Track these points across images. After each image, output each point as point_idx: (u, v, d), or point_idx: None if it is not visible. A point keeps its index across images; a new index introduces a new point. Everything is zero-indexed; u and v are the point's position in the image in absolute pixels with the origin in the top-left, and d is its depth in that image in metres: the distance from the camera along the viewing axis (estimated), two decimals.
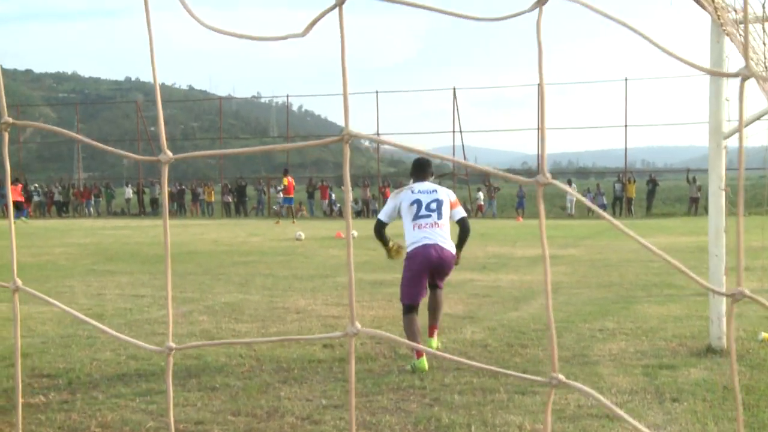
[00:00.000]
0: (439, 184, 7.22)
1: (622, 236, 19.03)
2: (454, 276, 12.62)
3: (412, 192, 6.80)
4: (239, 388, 5.78)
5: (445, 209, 6.75)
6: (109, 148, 1.28)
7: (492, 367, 1.05)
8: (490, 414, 5.09)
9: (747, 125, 6.45)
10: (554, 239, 21.62)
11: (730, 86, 6.87)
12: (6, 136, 1.19)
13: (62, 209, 46.43)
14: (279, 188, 45.81)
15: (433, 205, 6.70)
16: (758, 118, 6.46)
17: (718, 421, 4.90)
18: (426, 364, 6.24)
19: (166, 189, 1.17)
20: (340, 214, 45.46)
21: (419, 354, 6.28)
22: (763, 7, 5.46)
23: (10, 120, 1.16)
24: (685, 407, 5.18)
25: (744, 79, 0.86)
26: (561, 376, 1.01)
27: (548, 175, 0.96)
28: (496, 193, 44.07)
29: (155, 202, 47.86)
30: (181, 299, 10.14)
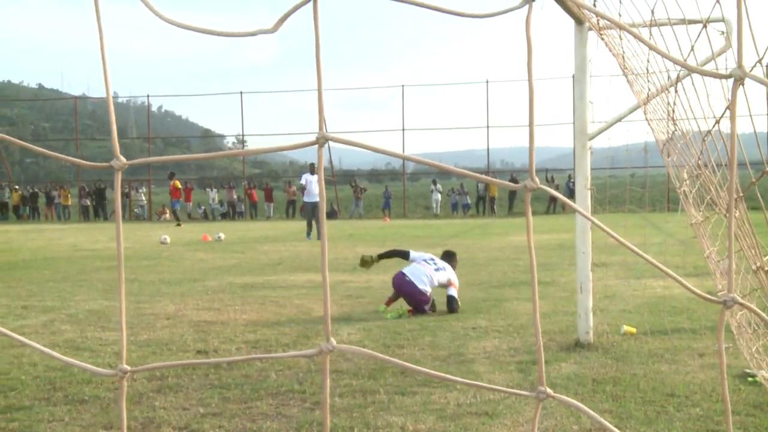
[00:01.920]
0: None
1: (489, 235, 19.69)
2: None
3: (432, 260, 9.39)
4: (110, 399, 5.53)
5: (435, 280, 9.16)
6: (56, 154, 1.17)
7: (475, 383, 1.03)
8: (372, 416, 5.09)
9: (611, 125, 6.76)
10: (421, 239, 21.98)
11: (594, 89, 7.18)
12: None
13: None
14: (142, 190, 44.56)
15: (436, 264, 9.33)
16: (621, 119, 6.77)
17: None
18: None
19: (119, 197, 1.08)
20: (205, 216, 44.60)
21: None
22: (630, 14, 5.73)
23: None
24: (559, 402, 5.34)
25: (737, 80, 0.87)
26: (549, 390, 1.00)
27: (536, 180, 0.94)
28: (362, 193, 44.40)
29: (4, 207, 45.38)
30: (40, 308, 9.63)
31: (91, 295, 10.81)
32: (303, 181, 23.06)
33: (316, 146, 0.99)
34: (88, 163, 1.10)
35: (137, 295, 10.66)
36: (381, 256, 9.58)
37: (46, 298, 10.55)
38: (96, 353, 6.95)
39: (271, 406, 5.37)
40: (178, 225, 32.38)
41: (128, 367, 1.06)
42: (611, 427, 0.96)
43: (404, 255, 9.52)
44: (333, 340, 0.99)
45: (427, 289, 8.91)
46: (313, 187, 22.60)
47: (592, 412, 0.99)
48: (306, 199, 23.27)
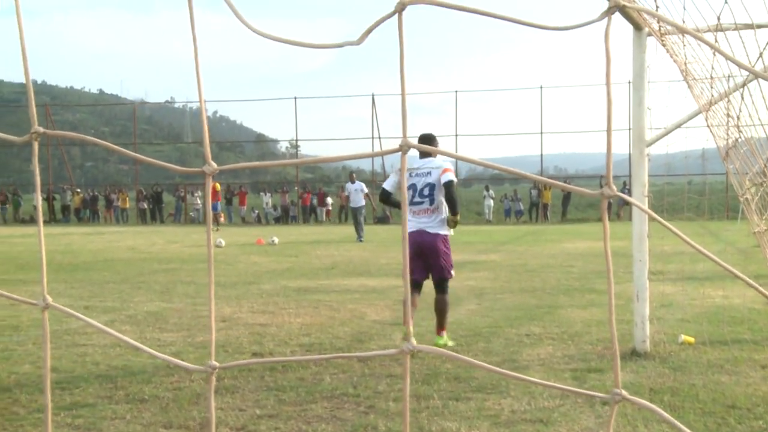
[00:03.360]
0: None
1: (541, 242, 19.55)
2: (378, 282, 12.66)
3: (410, 175, 7.17)
4: (169, 399, 5.63)
5: (438, 192, 7.15)
6: (154, 161, 1.21)
7: (551, 384, 1.04)
8: (426, 421, 5.09)
9: (670, 132, 6.66)
10: (474, 245, 21.89)
11: (652, 95, 7.08)
12: (36, 146, 1.12)
13: None
14: (198, 194, 45.05)
15: (426, 191, 7.13)
16: (680, 125, 6.67)
17: (648, 423, 5.01)
18: (447, 340, 7.49)
19: (209, 201, 1.11)
20: (259, 220, 45.04)
21: (439, 330, 7.50)
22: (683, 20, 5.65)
23: (41, 130, 1.09)
24: (615, 410, 5.28)
25: None
26: (624, 392, 1.00)
27: (614, 187, 0.95)
28: None
29: (66, 209, 46.45)
30: (101, 308, 9.84)
31: (149, 296, 11.01)
32: (346, 193, 26.08)
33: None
34: (180, 168, 1.13)
35: (194, 298, 10.83)
36: (395, 205, 7.83)
37: (107, 299, 10.78)
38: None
39: (326, 409, 5.41)
40: (216, 230, 31.33)
41: (217, 364, 1.09)
42: (687, 430, 0.96)
43: (388, 195, 7.65)
44: (414, 341, 1.00)
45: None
46: (355, 195, 24.89)
47: (668, 416, 0.99)
48: (351, 205, 25.58)
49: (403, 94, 0.94)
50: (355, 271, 14.71)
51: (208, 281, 1.09)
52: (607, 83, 0.95)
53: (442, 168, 7.17)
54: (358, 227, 24.60)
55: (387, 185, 7.60)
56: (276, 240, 23.14)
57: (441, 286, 7.41)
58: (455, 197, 7.29)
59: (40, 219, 1.36)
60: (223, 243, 21.90)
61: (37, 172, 1.18)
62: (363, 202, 24.93)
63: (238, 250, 20.39)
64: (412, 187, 7.11)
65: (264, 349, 7.39)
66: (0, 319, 8.96)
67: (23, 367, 6.60)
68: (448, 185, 7.16)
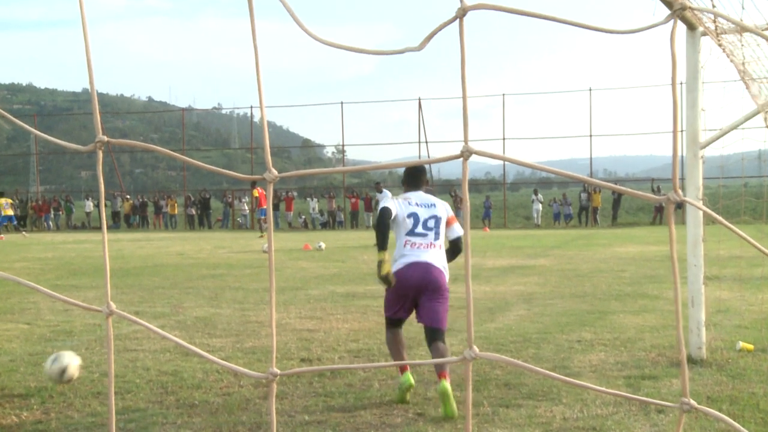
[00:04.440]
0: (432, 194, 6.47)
1: (592, 246, 19.30)
2: None
3: (409, 203, 5.98)
4: (219, 404, 5.67)
5: (443, 228, 6.02)
6: (216, 168, 1.23)
7: (615, 392, 1.01)
8: (477, 428, 5.06)
9: (726, 133, 6.53)
10: (523, 249, 21.73)
11: (706, 96, 6.95)
12: (101, 154, 1.13)
13: (20, 223, 45.59)
14: (245, 200, 45.51)
15: (431, 223, 5.96)
16: (736, 126, 6.53)
17: None
18: (411, 379, 5.69)
19: (271, 207, 1.11)
20: (305, 225, 45.30)
21: (402, 369, 5.80)
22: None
23: (105, 138, 1.10)
24: (671, 418, 5.18)
25: None
26: (693, 402, 0.97)
27: (680, 192, 0.92)
28: (461, 203, 44.23)
29: (117, 216, 47.25)
30: (151, 314, 9.98)
31: (198, 302, 11.13)
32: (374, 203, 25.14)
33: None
34: (243, 175, 1.13)
35: (242, 303, 10.91)
36: (384, 237, 5.93)
37: (156, 304, 10.92)
38: (204, 360, 7.13)
39: (375, 415, 5.40)
40: (261, 236, 30.80)
41: (278, 371, 1.09)
42: None
43: (389, 215, 5.99)
44: (476, 348, 0.98)
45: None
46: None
47: (739, 427, 0.95)
48: None
49: (464, 99, 0.93)
50: None
51: (269, 287, 1.09)
52: (673, 86, 0.92)
53: (447, 211, 6.12)
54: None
55: (389, 204, 5.96)
56: (323, 245, 23.23)
57: (439, 336, 5.79)
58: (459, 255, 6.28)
59: (104, 226, 1.37)
60: None
61: (101, 180, 1.19)
62: None
63: (285, 255, 20.52)
64: (413, 216, 5.92)
65: (312, 355, 7.42)
66: (54, 325, 9.12)
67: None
68: (459, 242, 6.20)
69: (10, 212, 35.06)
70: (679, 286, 1.08)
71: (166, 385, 6.22)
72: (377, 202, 24.08)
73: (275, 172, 1.05)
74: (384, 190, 24.22)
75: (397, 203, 5.94)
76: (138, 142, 1.15)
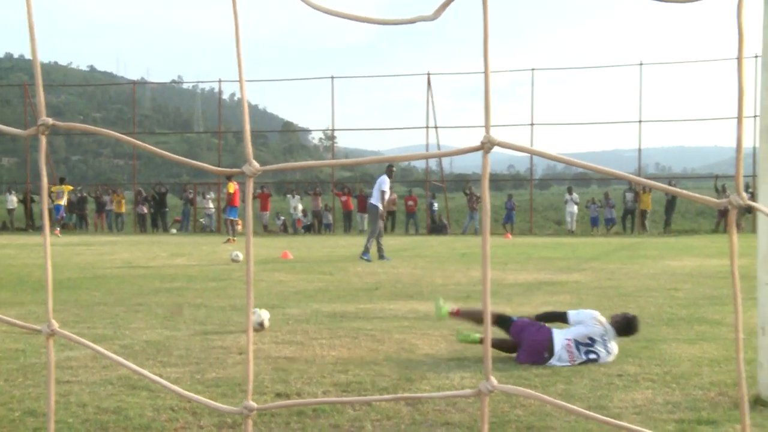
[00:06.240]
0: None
1: (638, 258, 19.43)
2: (432, 307, 12.62)
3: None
4: None
5: None
6: (177, 157, 1.23)
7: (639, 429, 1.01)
8: None
9: None
10: (552, 261, 21.78)
11: None
12: (44, 140, 1.14)
13: None
14: (210, 196, 45.48)
15: None
16: None
17: None
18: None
19: (250, 207, 1.12)
20: (285, 229, 45.27)
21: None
22: None
23: (51, 121, 1.10)
24: None
25: None
26: None
27: (744, 194, 0.93)
28: (478, 203, 44.28)
29: (49, 214, 47.19)
30: (89, 336, 9.98)
31: (149, 322, 11.14)
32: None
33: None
34: (218, 168, 1.14)
35: (204, 324, 10.93)
36: (539, 318, 9.13)
37: (97, 324, 10.93)
38: (155, 393, 7.14)
39: None
40: (227, 241, 30.88)
41: (254, 405, 1.09)
42: None
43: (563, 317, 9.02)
44: (493, 379, 0.99)
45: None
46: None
47: None
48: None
49: (486, 77, 0.93)
50: (404, 293, 14.72)
51: (246, 304, 1.09)
52: (740, 61, 0.93)
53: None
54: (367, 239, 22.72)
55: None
56: (240, 255, 23.23)
57: None
58: None
59: (47, 228, 1.38)
60: (241, 257, 22.08)
61: (44, 171, 1.20)
62: (377, 204, 22.74)
63: (260, 266, 20.56)
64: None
65: (290, 389, 7.43)
66: None
67: None
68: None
69: (62, 202, 37.08)
70: (741, 308, 1.08)
71: (107, 425, 6.22)
72: (383, 193, 22.56)
73: (257, 164, 1.05)
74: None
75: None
76: (82, 125, 1.15)
